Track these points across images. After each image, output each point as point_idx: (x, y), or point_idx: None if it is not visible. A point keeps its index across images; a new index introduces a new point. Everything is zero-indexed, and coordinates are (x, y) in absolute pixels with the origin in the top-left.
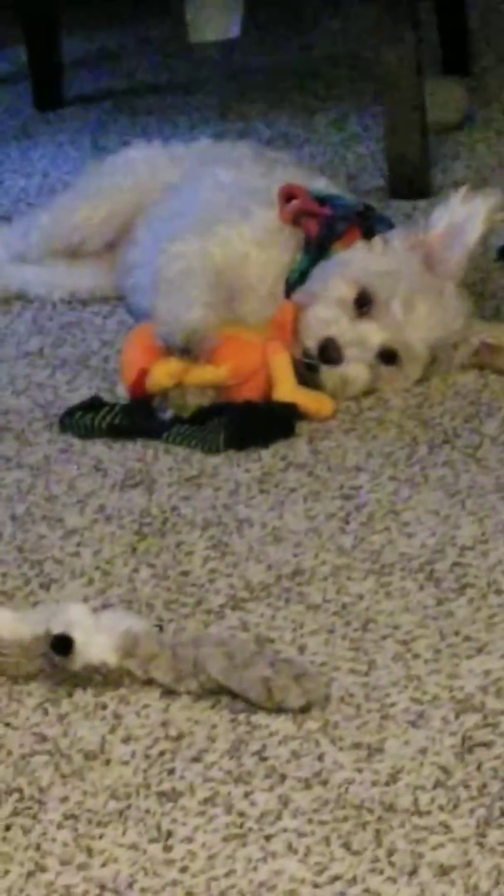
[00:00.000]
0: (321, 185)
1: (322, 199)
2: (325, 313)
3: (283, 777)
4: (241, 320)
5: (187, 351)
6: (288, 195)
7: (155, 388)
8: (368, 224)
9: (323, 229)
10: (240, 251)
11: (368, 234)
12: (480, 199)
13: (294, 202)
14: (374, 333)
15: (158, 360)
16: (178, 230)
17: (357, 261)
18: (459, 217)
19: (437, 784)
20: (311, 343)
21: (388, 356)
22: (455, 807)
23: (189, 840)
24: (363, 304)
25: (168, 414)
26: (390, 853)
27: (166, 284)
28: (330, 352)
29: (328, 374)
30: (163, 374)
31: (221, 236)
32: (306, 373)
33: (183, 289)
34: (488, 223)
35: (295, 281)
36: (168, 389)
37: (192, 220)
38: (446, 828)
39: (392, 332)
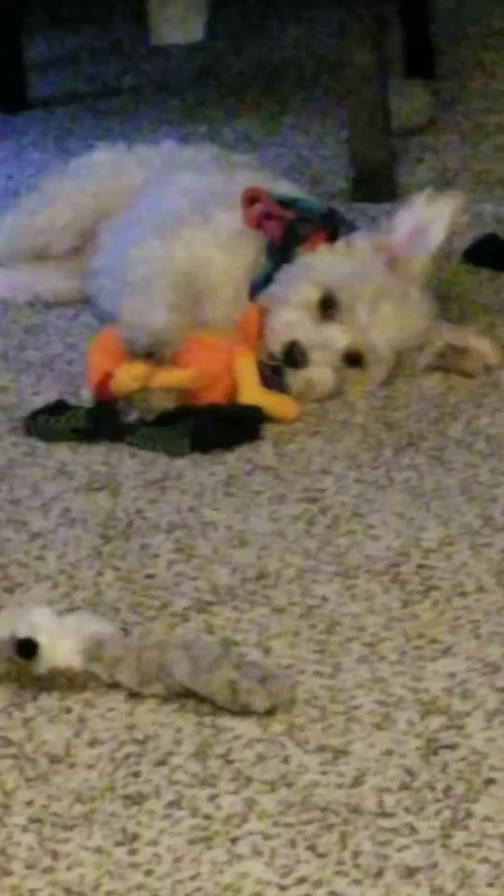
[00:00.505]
0: (284, 188)
1: (285, 203)
2: (290, 316)
3: (249, 780)
4: (205, 324)
5: (152, 354)
6: (251, 198)
7: (120, 391)
8: (332, 227)
9: (286, 233)
10: (203, 255)
11: (332, 238)
12: (444, 200)
13: (257, 205)
14: (338, 336)
15: (123, 363)
16: (141, 235)
17: (321, 264)
18: (423, 219)
19: (403, 786)
20: (276, 346)
21: (353, 359)
22: (420, 808)
23: (154, 843)
24: (328, 307)
25: (133, 417)
26: (356, 855)
27: (130, 288)
28: (295, 355)
29: (293, 377)
30: (127, 377)
31: (185, 240)
32: (271, 376)
33: (147, 292)
34: (452, 225)
35: (259, 285)
36: (133, 393)
37: (156, 225)
38: (412, 829)
39: (357, 334)
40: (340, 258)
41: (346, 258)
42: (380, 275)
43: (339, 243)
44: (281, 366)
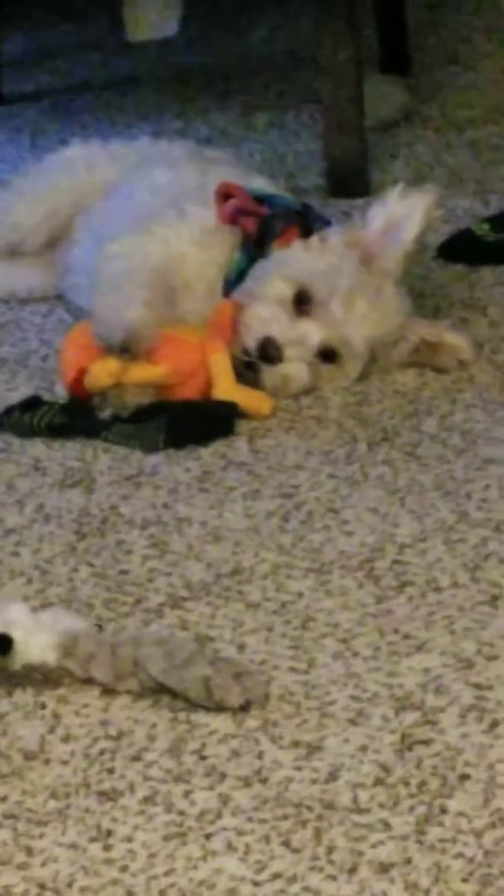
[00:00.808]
0: (259, 183)
1: (260, 198)
2: (265, 312)
3: (223, 776)
4: (179, 320)
5: (126, 350)
6: (225, 194)
7: (94, 387)
8: (306, 223)
9: (261, 229)
10: (178, 251)
11: (306, 233)
12: (417, 196)
13: (232, 201)
14: (313, 332)
15: (97, 359)
16: (115, 231)
17: (295, 260)
18: (396, 214)
19: (377, 782)
20: (251, 342)
21: (327, 354)
22: (395, 804)
23: (129, 839)
24: (302, 302)
25: (107, 413)
26: (330, 851)
27: (105, 284)
28: (270, 351)
29: (268, 373)
30: (102, 373)
31: (159, 236)
32: (246, 372)
33: (121, 288)
34: (426, 220)
35: (233, 280)
36: (107, 388)
37: (130, 221)
38: (386, 825)
39: (331, 330)
40: (314, 254)
41: (319, 254)
42: (354, 270)
43: (313, 239)
44: (255, 361)
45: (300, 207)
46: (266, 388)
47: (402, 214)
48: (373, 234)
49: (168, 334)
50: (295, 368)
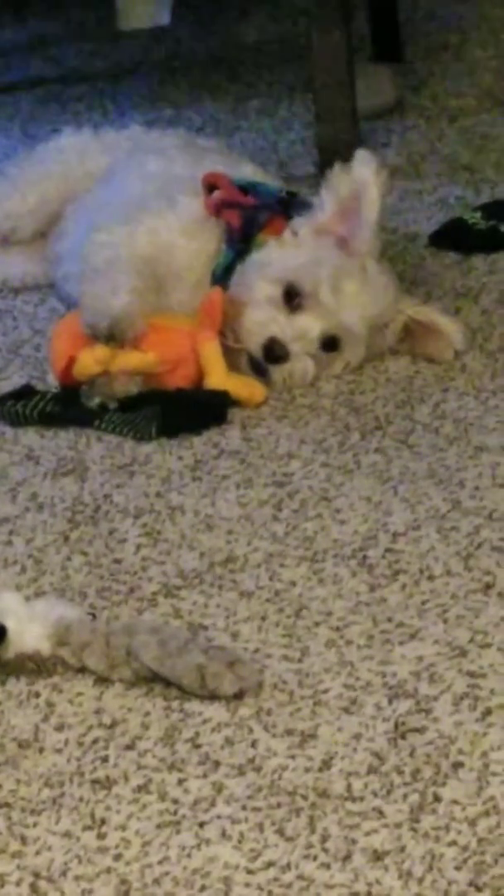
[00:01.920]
0: (247, 171)
1: (245, 188)
2: (261, 315)
3: (217, 764)
4: (168, 310)
5: (113, 337)
6: (210, 185)
7: (82, 374)
8: (291, 212)
9: (245, 221)
10: (166, 240)
11: None
12: (359, 168)
13: (217, 193)
14: (312, 324)
15: (86, 348)
16: (105, 220)
17: (273, 259)
18: (345, 193)
19: (371, 770)
20: (255, 346)
21: (329, 343)
22: (388, 792)
23: (123, 828)
24: (292, 298)
25: (95, 402)
26: (324, 839)
27: (92, 272)
28: (275, 351)
29: (277, 372)
30: (89, 360)
31: (147, 225)
32: (253, 374)
33: (109, 276)
34: (379, 191)
35: (220, 275)
36: (95, 376)
37: (119, 210)
38: (380, 813)
39: (328, 318)
40: (290, 249)
41: (295, 248)
42: (333, 256)
43: (286, 234)
44: (262, 364)
45: (286, 195)
46: (276, 387)
47: (351, 192)
48: (332, 218)
49: (156, 322)
50: (301, 364)
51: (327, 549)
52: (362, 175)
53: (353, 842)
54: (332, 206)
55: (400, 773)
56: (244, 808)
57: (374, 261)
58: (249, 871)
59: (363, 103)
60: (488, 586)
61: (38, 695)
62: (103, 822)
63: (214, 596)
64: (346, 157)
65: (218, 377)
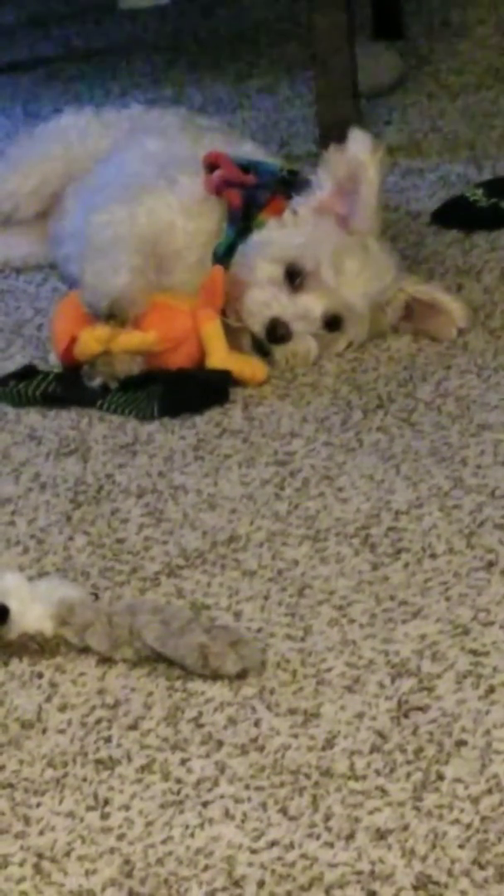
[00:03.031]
0: (247, 149)
1: (246, 167)
2: (263, 295)
3: (220, 743)
4: (169, 289)
5: (113, 316)
6: (211, 164)
7: (83, 354)
8: (291, 191)
9: (246, 200)
10: (166, 219)
11: None
12: (354, 148)
13: (217, 172)
14: (314, 303)
15: (87, 327)
16: (106, 199)
17: (274, 239)
18: (342, 171)
19: (374, 748)
20: (258, 326)
21: (331, 322)
22: (391, 771)
23: (126, 807)
24: (294, 278)
25: (96, 382)
26: (327, 818)
27: (93, 251)
28: (278, 330)
29: (280, 352)
30: (90, 339)
31: (148, 205)
32: (255, 354)
33: (109, 255)
34: (376, 167)
35: (222, 254)
36: (96, 357)
37: (120, 190)
38: (383, 792)
39: (330, 297)
40: (290, 229)
41: (295, 227)
42: (334, 235)
43: (286, 214)
44: (265, 344)
45: (287, 174)
46: (279, 367)
47: (349, 172)
48: (332, 197)
49: (157, 301)
50: (305, 343)
51: (330, 527)
52: (358, 155)
53: (357, 820)
54: (330, 186)
55: (403, 751)
56: (247, 787)
57: (375, 239)
58: (253, 851)
59: (364, 81)
60: (491, 564)
61: (41, 675)
62: (107, 802)
63: (217, 575)
64: (347, 136)
65: (219, 356)
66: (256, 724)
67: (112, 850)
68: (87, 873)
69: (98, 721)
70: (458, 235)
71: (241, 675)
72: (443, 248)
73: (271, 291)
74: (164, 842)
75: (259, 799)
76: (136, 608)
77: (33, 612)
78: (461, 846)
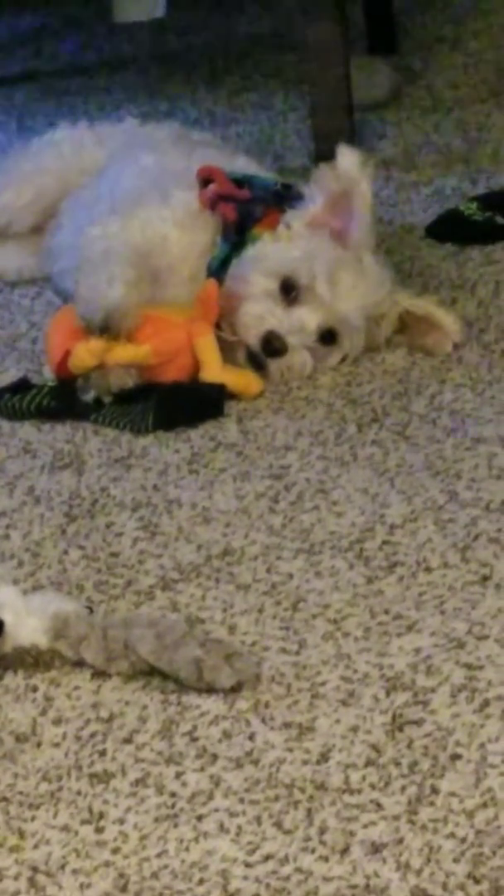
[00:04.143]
0: (241, 164)
1: (240, 181)
2: (258, 308)
3: (215, 757)
4: (163, 303)
5: (107, 329)
6: (205, 179)
7: (77, 367)
8: (286, 205)
9: (240, 214)
10: (160, 233)
11: None
12: (343, 164)
13: (211, 186)
14: (309, 317)
15: (81, 341)
16: (100, 213)
17: (269, 253)
18: (335, 186)
19: (368, 762)
20: (253, 340)
21: (326, 336)
22: (386, 784)
23: (121, 821)
24: (289, 291)
25: (90, 396)
26: (322, 832)
27: (86, 265)
28: (274, 344)
29: (274, 366)
30: (84, 353)
31: (142, 219)
32: (250, 367)
33: (103, 268)
34: (367, 179)
35: (216, 269)
36: (90, 370)
37: (114, 204)
38: (377, 806)
39: (325, 311)
40: (285, 243)
41: (289, 241)
42: (328, 249)
43: (280, 228)
44: (260, 357)
45: (281, 188)
46: (274, 380)
47: (341, 188)
48: (324, 211)
49: (151, 315)
50: (300, 356)
51: (324, 541)
52: (348, 171)
53: (352, 834)
54: (322, 200)
55: (398, 765)
56: (242, 801)
57: (369, 253)
58: (247, 864)
59: (359, 96)
60: (485, 578)
61: (35, 689)
62: (101, 815)
63: (212, 589)
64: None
65: (214, 370)
66: (251, 737)
67: (107, 864)
68: (82, 887)
69: (93, 735)
70: (453, 249)
71: (236, 689)
72: (437, 261)
73: (266, 305)
74: (158, 855)
75: (254, 812)
76: (131, 622)
77: (28, 625)
78: (456, 860)
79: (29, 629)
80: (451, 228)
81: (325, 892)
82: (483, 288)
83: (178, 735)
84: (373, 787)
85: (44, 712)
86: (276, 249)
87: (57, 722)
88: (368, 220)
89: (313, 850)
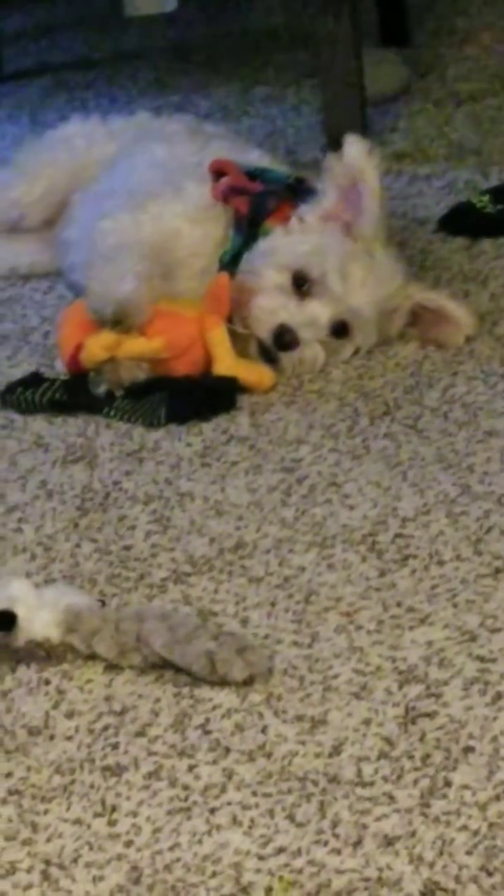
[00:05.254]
0: (254, 156)
1: (253, 174)
2: (270, 302)
3: (227, 750)
4: (175, 296)
5: (119, 323)
6: (218, 171)
7: (89, 361)
8: (298, 198)
9: (253, 208)
10: (172, 227)
11: None
12: (350, 154)
13: (224, 179)
14: (321, 310)
15: (93, 334)
16: (112, 207)
17: (281, 246)
18: (344, 179)
19: (381, 755)
20: (265, 333)
21: (338, 329)
22: (399, 777)
23: (133, 814)
24: (301, 284)
25: (102, 389)
26: (334, 824)
27: (99, 258)
28: (285, 337)
29: (287, 359)
30: (96, 346)
31: (154, 212)
32: (262, 360)
33: (115, 261)
34: (375, 171)
35: (228, 262)
36: (102, 364)
37: (126, 197)
38: (390, 798)
39: (337, 304)
40: (297, 236)
41: (302, 235)
42: (339, 242)
43: (292, 222)
44: (272, 350)
45: (293, 181)
46: (286, 373)
47: (349, 178)
48: (337, 204)
49: (163, 308)
50: (312, 350)
51: (336, 534)
52: (355, 160)
53: (364, 827)
54: (335, 194)
55: (410, 757)
56: (255, 793)
57: (381, 246)
58: (260, 857)
59: (371, 88)
60: (498, 570)
61: (48, 682)
62: (114, 808)
63: (224, 582)
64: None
65: (226, 363)
66: (264, 730)
67: (119, 857)
68: (95, 880)
69: (105, 728)
70: (465, 242)
71: (248, 682)
72: (449, 254)
73: (278, 298)
74: (171, 848)
75: (266, 805)
76: (144, 615)
77: (40, 618)
78: (469, 853)
79: (41, 623)
80: (464, 221)
81: (338, 885)
82: (495, 281)
83: (191, 728)
84: (385, 779)
85: (56, 705)
86: (287, 243)
87: (69, 715)
88: (377, 210)
89: (326, 843)
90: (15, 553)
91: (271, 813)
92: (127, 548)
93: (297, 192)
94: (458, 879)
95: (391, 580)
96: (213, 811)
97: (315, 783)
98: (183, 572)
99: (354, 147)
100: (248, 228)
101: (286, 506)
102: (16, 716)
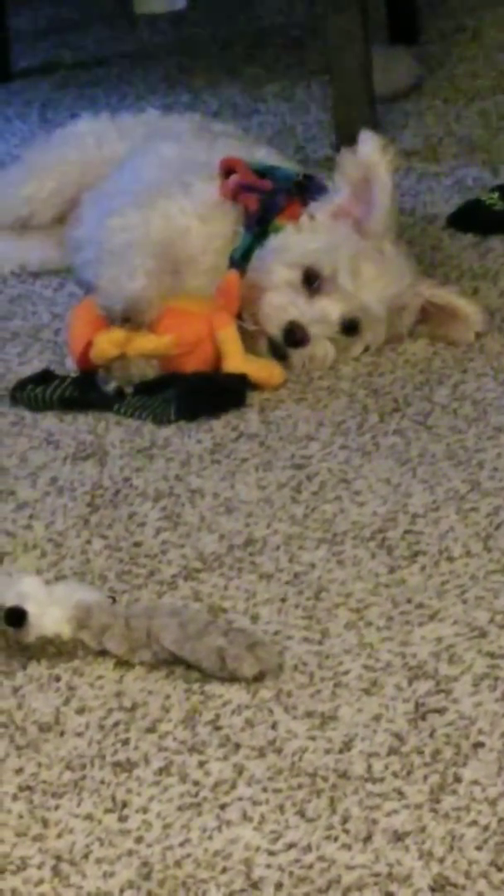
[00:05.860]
0: (262, 154)
1: (262, 172)
2: (280, 299)
3: (238, 746)
4: (185, 293)
5: (128, 320)
6: (227, 169)
7: (99, 358)
8: (307, 195)
9: (262, 205)
10: (181, 224)
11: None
12: (364, 149)
13: (233, 177)
14: (332, 307)
15: (103, 331)
16: (121, 205)
17: (291, 243)
18: (354, 175)
19: (391, 751)
20: (275, 330)
21: (349, 326)
22: (409, 773)
23: (144, 810)
24: (311, 282)
25: (111, 386)
26: (345, 820)
27: (108, 255)
28: (296, 334)
29: (297, 356)
30: (106, 343)
31: (163, 209)
32: (272, 358)
33: (124, 259)
34: (388, 168)
35: (238, 259)
36: (111, 361)
37: (135, 195)
38: (400, 794)
39: (348, 301)
40: (307, 234)
41: (312, 232)
42: (350, 239)
43: (303, 219)
44: (282, 347)
45: (303, 179)
46: (296, 370)
47: (361, 174)
48: (348, 201)
49: (172, 306)
50: (322, 347)
51: (346, 530)
52: (368, 156)
53: (374, 823)
54: (347, 190)
55: (420, 753)
56: (265, 789)
57: (391, 243)
58: (271, 853)
59: (380, 86)
60: None
61: (58, 678)
62: (125, 804)
63: (234, 578)
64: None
65: (236, 360)
66: (274, 726)
67: (130, 853)
68: (106, 876)
69: (116, 724)
70: (474, 239)
71: (259, 678)
72: (459, 251)
73: (289, 295)
74: (182, 844)
75: (277, 801)
76: (154, 611)
77: (51, 615)
78: (479, 848)
79: (52, 619)
80: (473, 218)
81: (348, 881)
82: None
83: (201, 724)
84: (395, 775)
85: (67, 702)
86: (298, 240)
87: (80, 711)
88: (388, 207)
89: (336, 839)
90: (25, 550)
91: (281, 809)
92: (137, 544)
93: (307, 189)
94: (468, 875)
95: (401, 576)
96: (223, 807)
97: (325, 779)
98: (193, 569)
99: (369, 143)
100: (258, 226)
101: (296, 502)
102: (27, 712)
